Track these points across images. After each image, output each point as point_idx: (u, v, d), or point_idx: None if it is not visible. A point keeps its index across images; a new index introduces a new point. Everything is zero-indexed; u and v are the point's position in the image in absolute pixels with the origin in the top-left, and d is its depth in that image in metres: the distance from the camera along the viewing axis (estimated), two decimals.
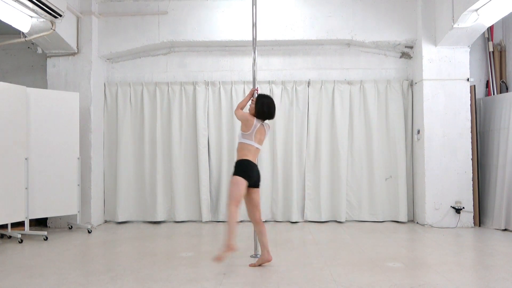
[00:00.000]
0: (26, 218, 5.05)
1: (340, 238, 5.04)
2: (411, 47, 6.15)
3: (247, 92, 6.09)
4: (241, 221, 6.09)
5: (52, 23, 5.10)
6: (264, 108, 3.79)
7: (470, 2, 4.70)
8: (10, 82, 5.25)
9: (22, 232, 5.04)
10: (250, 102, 3.98)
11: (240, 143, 3.79)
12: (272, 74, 6.29)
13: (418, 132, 5.93)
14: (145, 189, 6.20)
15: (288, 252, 4.32)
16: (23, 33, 5.17)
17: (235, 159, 3.80)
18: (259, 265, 3.77)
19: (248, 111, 3.90)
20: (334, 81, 6.17)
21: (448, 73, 5.75)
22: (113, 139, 6.27)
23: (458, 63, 5.75)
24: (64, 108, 5.44)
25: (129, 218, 6.21)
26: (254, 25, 4.19)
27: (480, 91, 6.24)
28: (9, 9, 4.58)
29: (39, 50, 5.92)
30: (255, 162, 3.77)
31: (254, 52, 4.19)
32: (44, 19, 5.02)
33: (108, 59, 6.35)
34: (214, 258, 3.49)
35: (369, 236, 5.14)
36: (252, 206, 3.83)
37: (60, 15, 4.98)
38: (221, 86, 6.22)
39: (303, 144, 6.14)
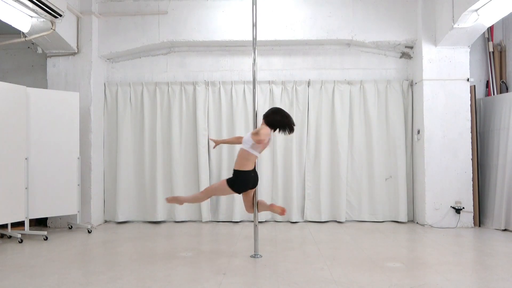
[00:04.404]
0: (26, 218, 5.05)
1: (340, 238, 5.04)
2: (411, 47, 6.15)
3: (247, 92, 6.12)
4: (240, 221, 6.15)
5: (52, 23, 5.10)
6: (284, 120, 3.80)
7: (470, 2, 4.70)
8: (10, 82, 5.25)
9: (22, 232, 5.05)
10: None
11: (246, 152, 3.75)
12: (272, 74, 6.29)
13: (418, 132, 5.93)
14: (145, 189, 6.20)
15: (288, 252, 4.32)
16: (23, 33, 5.17)
17: (234, 164, 3.88)
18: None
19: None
20: (334, 81, 6.16)
21: (448, 73, 5.75)
22: (113, 139, 6.27)
23: (458, 63, 5.75)
24: (64, 108, 5.45)
25: (129, 218, 6.22)
26: (254, 25, 4.18)
27: (480, 91, 6.25)
28: (9, 9, 4.59)
29: (39, 50, 5.93)
30: (253, 167, 3.89)
31: (254, 52, 4.18)
32: (44, 19, 5.02)
33: (108, 59, 6.35)
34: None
35: (369, 236, 5.14)
36: (248, 201, 4.08)
37: (60, 15, 4.98)
38: (221, 86, 6.22)
39: (303, 144, 6.14)
